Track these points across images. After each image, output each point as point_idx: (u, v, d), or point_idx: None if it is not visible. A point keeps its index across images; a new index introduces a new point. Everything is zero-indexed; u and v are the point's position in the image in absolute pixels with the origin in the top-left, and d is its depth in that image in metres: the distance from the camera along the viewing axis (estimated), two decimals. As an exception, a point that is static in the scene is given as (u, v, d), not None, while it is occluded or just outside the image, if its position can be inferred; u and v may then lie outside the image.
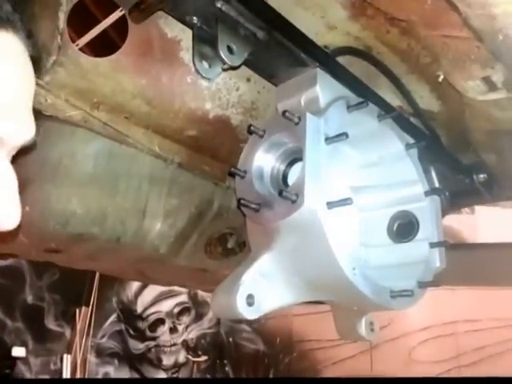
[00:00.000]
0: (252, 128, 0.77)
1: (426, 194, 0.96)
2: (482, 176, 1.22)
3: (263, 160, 0.79)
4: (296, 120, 0.73)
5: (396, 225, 0.98)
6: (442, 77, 0.85)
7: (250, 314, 0.71)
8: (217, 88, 0.95)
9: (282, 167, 0.79)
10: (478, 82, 0.80)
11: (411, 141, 0.96)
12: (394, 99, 1.06)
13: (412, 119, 1.08)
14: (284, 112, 0.73)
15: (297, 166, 0.79)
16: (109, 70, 0.84)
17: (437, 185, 1.13)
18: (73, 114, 0.88)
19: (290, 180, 0.79)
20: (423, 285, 0.90)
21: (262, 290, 0.74)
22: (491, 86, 0.81)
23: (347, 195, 0.98)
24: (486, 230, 3.75)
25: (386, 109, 0.90)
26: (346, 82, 0.86)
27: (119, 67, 0.85)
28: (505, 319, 3.35)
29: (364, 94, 0.88)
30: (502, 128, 1.02)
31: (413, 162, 0.96)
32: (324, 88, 0.81)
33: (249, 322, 3.75)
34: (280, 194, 0.68)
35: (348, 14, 0.86)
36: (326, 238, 0.70)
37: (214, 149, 1.04)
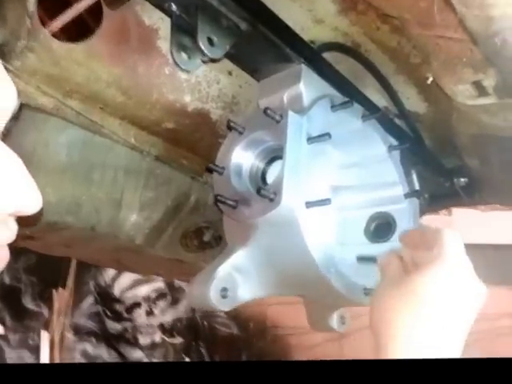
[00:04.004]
0: (231, 124, 0.72)
1: (406, 196, 0.93)
2: (462, 180, 1.19)
3: (242, 157, 0.74)
4: (277, 118, 0.68)
5: (373, 225, 0.96)
6: (431, 79, 0.80)
7: (223, 305, 0.71)
8: (196, 80, 0.90)
9: (262, 165, 0.75)
10: (468, 86, 0.76)
11: (394, 143, 0.93)
12: (379, 99, 1.02)
13: (397, 120, 1.04)
14: (266, 109, 0.68)
15: (276, 164, 0.75)
16: (82, 57, 0.78)
17: (417, 187, 1.10)
18: (44, 101, 0.82)
19: (269, 178, 0.75)
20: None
21: (236, 283, 0.74)
22: (481, 91, 0.77)
23: (326, 195, 0.96)
24: (463, 232, 3.76)
25: (370, 109, 0.86)
26: (331, 80, 0.81)
27: (93, 54, 0.79)
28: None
29: (349, 93, 0.84)
30: (488, 133, 0.98)
31: (394, 164, 0.93)
32: (308, 85, 0.76)
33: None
34: (258, 191, 0.65)
35: (337, 8, 0.81)
36: (303, 237, 0.68)
37: (192, 143, 0.98)
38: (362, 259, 0.76)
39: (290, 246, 0.69)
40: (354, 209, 0.97)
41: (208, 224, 1.08)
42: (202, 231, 1.08)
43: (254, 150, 0.74)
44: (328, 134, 0.70)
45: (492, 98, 0.78)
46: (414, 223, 0.91)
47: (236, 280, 0.72)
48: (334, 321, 0.86)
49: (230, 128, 0.72)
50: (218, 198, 0.67)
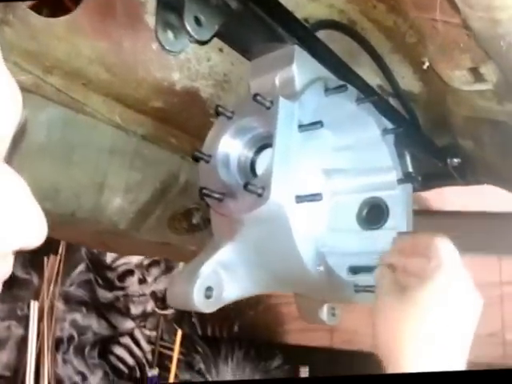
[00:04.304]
0: (220, 109, 0.68)
1: (399, 181, 0.91)
2: (456, 160, 1.18)
3: (230, 146, 0.70)
4: (268, 104, 0.65)
5: (365, 211, 0.94)
6: (427, 64, 0.77)
7: (207, 307, 0.67)
8: (186, 57, 0.85)
9: (250, 154, 0.71)
10: (464, 72, 0.73)
11: (388, 126, 0.90)
12: (374, 78, 0.99)
13: (391, 100, 1.01)
14: (255, 95, 0.64)
15: (266, 153, 0.71)
16: (63, 32, 0.73)
17: (410, 169, 1.08)
18: (23, 78, 0.77)
19: (259, 168, 0.71)
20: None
21: (222, 281, 0.70)
22: (478, 78, 0.74)
23: (318, 182, 0.93)
24: (453, 199, 3.78)
25: (365, 92, 0.82)
26: (325, 62, 0.77)
27: (75, 29, 0.74)
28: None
29: (344, 75, 0.80)
30: (483, 116, 0.96)
31: (388, 149, 0.90)
32: (301, 67, 0.72)
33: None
34: (245, 186, 0.61)
35: (333, -16, 0.76)
36: (292, 235, 0.64)
37: (181, 122, 0.95)
38: (355, 270, 0.74)
39: (279, 242, 0.66)
40: (346, 193, 0.95)
41: (197, 205, 1.05)
42: (191, 213, 1.05)
43: (243, 138, 0.70)
44: (320, 123, 0.67)
45: (488, 85, 0.75)
46: (407, 211, 0.89)
47: (221, 277, 0.68)
48: (324, 313, 0.85)
49: (218, 113, 0.69)
50: (204, 191, 0.63)
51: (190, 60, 0.86)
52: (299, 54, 0.73)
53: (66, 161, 0.85)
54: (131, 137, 0.92)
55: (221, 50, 0.87)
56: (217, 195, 0.65)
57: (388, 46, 0.91)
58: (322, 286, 0.72)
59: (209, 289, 0.67)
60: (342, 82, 0.76)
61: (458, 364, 0.52)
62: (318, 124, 0.66)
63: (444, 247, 0.56)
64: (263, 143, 0.71)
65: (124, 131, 0.91)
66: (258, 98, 0.64)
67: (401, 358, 0.52)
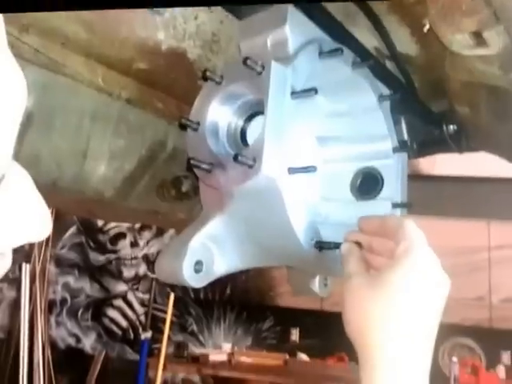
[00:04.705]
0: (208, 73, 0.64)
1: (395, 150, 0.87)
2: (451, 127, 1.14)
3: (219, 113, 0.66)
4: (259, 69, 0.60)
5: (359, 180, 0.91)
6: (427, 26, 0.72)
7: (196, 281, 0.65)
8: (171, 15, 0.79)
9: (240, 122, 0.67)
10: (466, 36, 0.68)
11: (385, 92, 0.85)
12: (370, 39, 0.94)
13: (387, 63, 0.97)
14: (245, 59, 0.60)
15: (257, 121, 0.67)
16: (38, -13, 0.67)
17: (406, 137, 1.05)
18: (-4, 37, 0.71)
19: (249, 137, 0.67)
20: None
21: (212, 255, 0.68)
22: (480, 42, 0.69)
23: (312, 151, 0.89)
24: (443, 163, 3.78)
25: (362, 56, 0.77)
26: (320, 22, 0.72)
27: (51, -16, 0.68)
28: (449, 247, 3.47)
29: (340, 37, 0.75)
30: (482, 82, 0.92)
31: (384, 116, 0.86)
32: (294, 28, 0.67)
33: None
34: (236, 158, 0.57)
35: None
36: (285, 208, 0.61)
37: (167, 85, 0.89)
38: (322, 245, 0.70)
39: (270, 215, 0.63)
40: (339, 161, 0.92)
41: (186, 173, 1.01)
42: (180, 181, 1.01)
43: (232, 105, 0.66)
44: (314, 89, 0.63)
45: (491, 49, 0.70)
46: (401, 181, 0.86)
47: (211, 251, 0.66)
48: (316, 285, 0.83)
49: (205, 78, 0.64)
50: (192, 162, 0.60)
51: (176, 18, 0.80)
52: (292, 13, 0.68)
53: (45, 126, 0.80)
54: (115, 100, 0.86)
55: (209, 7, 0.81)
56: (205, 166, 0.62)
57: (385, 5, 0.85)
58: (314, 259, 0.69)
59: (198, 263, 0.65)
60: (337, 45, 0.71)
61: (427, 346, 0.53)
62: (311, 91, 0.62)
63: (413, 231, 0.57)
64: (254, 110, 0.66)
65: (107, 94, 0.85)
66: (249, 61, 0.60)
67: (369, 340, 0.52)
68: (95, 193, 0.90)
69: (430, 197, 3.15)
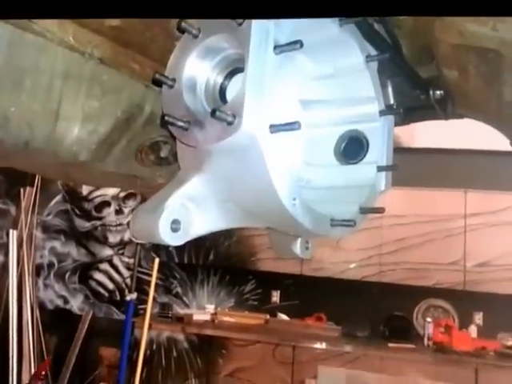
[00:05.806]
0: (184, 25, 0.57)
1: (381, 113, 0.82)
2: (438, 93, 1.09)
3: (197, 68, 0.59)
4: (239, 20, 0.54)
5: (344, 145, 0.85)
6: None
7: (173, 239, 0.61)
8: (146, -35, 0.71)
9: (220, 79, 0.61)
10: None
11: (373, 52, 0.79)
12: None
13: (376, 25, 0.90)
14: (224, 8, 0.53)
15: (237, 78, 0.61)
16: None
17: (392, 101, 0.99)
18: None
19: (229, 95, 0.61)
20: (365, 210, 0.80)
21: (190, 214, 0.63)
22: None
23: (295, 112, 0.83)
24: (423, 136, 3.74)
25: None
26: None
27: None
28: (427, 215, 3.48)
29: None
30: (472, 44, 0.86)
31: (371, 77, 0.80)
32: (278, -22, 0.61)
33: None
34: (213, 113, 0.51)
35: None
36: (266, 168, 0.56)
37: (143, 45, 0.82)
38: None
39: (251, 174, 0.57)
40: (323, 125, 0.86)
41: (165, 138, 0.94)
42: (159, 145, 0.95)
43: (211, 60, 0.59)
44: (299, 42, 0.56)
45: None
46: (387, 144, 0.81)
47: (189, 210, 0.61)
48: (297, 247, 0.79)
49: (181, 30, 0.57)
50: (167, 118, 0.54)
51: (152, -31, 0.72)
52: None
53: (14, 86, 0.73)
54: (87, 60, 0.79)
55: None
56: (181, 123, 0.56)
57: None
58: (296, 220, 0.65)
59: (175, 222, 0.61)
60: (324, -2, 0.64)
61: None
62: (296, 44, 0.56)
63: None
64: (235, 67, 0.60)
65: (79, 53, 0.77)
66: (228, 11, 0.53)
67: None
68: (70, 155, 0.83)
69: (410, 169, 3.13)
